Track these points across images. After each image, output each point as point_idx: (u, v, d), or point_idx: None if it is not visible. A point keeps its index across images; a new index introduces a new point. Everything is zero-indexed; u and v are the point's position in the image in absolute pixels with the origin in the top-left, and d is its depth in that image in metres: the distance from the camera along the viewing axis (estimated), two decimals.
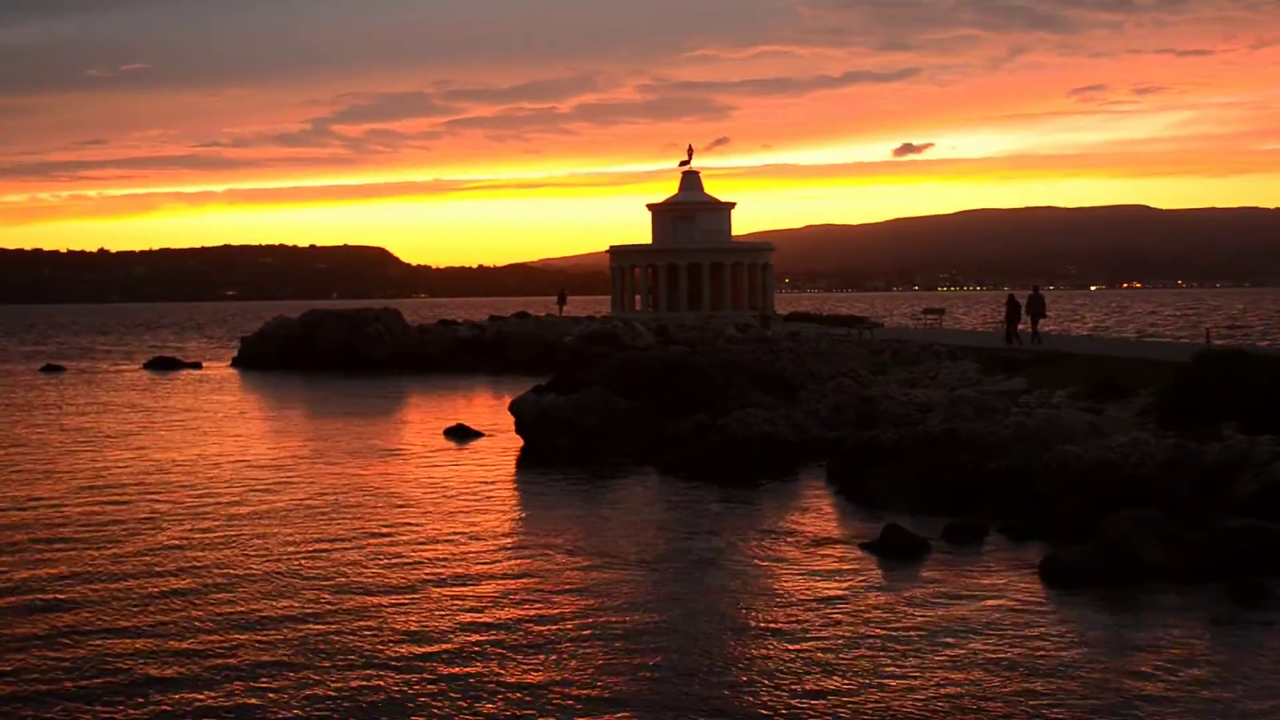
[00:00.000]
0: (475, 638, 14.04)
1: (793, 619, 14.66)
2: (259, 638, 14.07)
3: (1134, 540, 16.66)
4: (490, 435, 33.16)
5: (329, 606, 15.41)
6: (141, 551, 18.77)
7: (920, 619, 14.58)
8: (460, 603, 15.59)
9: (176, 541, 19.45)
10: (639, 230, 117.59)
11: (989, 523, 19.55)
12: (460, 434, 33.48)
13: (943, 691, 12.09)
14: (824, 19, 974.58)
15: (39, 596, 16.07)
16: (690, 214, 78.82)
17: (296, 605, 15.48)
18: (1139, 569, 16.32)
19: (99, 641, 14.01)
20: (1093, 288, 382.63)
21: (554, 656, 13.34)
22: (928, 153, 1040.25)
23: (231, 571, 17.38)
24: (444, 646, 13.73)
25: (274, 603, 15.62)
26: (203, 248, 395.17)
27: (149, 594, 16.14)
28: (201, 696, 12.18)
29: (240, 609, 15.33)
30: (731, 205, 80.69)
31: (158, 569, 17.53)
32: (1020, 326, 46.12)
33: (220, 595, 16.02)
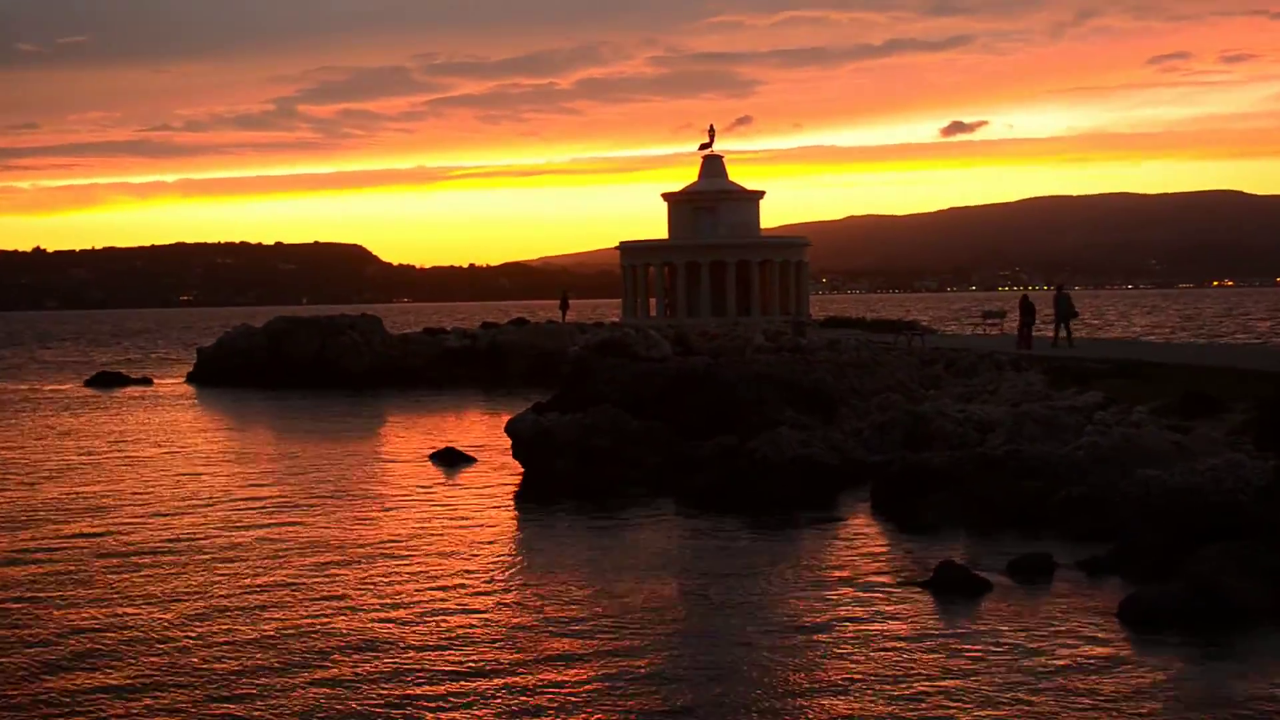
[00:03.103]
0: (471, 706, 14.07)
1: (835, 669, 14.68)
2: (220, 706, 14.12)
3: (1228, 578, 16.65)
4: (484, 460, 33.26)
5: (296, 672, 15.45)
6: (81, 603, 18.85)
7: (981, 668, 14.59)
8: (453, 664, 15.63)
9: (113, 597, 19.44)
10: (653, 224, 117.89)
11: (1059, 558, 19.55)
12: (449, 459, 33.59)
13: None
14: None
15: None
16: (712, 204, 79.05)
17: (260, 668, 15.52)
18: (1233, 611, 16.31)
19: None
20: (1179, 285, 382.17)
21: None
22: (981, 132, 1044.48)
23: (185, 629, 17.43)
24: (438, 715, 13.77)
25: (231, 667, 15.66)
26: (153, 246, 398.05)
27: (95, 655, 16.22)
28: None
29: (197, 668, 15.38)
30: (759, 194, 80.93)
31: (95, 629, 17.56)
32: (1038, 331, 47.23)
33: (174, 651, 16.09)
